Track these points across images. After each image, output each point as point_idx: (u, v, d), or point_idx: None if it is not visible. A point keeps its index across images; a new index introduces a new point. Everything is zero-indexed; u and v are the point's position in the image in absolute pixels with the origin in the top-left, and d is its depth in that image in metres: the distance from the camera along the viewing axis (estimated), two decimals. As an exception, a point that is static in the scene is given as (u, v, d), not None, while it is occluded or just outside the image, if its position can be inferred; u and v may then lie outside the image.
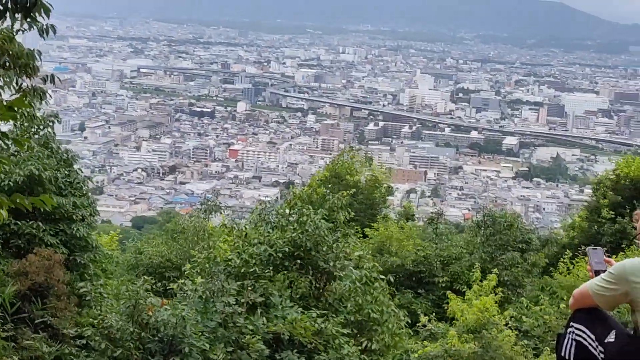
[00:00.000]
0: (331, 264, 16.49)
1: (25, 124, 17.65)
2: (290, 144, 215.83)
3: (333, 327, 14.95)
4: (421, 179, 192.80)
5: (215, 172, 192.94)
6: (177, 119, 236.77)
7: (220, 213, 25.50)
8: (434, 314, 21.46)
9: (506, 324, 18.45)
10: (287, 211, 17.14)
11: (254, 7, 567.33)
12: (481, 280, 20.03)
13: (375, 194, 32.41)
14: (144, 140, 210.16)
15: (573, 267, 23.78)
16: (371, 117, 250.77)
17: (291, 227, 16.52)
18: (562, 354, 5.72)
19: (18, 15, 7.65)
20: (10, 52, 9.22)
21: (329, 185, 24.62)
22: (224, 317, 14.17)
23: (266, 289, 15.64)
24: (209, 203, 26.54)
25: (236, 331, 14.02)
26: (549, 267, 26.57)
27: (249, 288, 15.23)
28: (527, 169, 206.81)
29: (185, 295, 15.49)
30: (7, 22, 7.85)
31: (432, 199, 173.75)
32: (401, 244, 25.62)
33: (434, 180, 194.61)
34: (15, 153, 16.28)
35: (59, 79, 10.77)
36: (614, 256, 24.46)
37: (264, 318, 14.57)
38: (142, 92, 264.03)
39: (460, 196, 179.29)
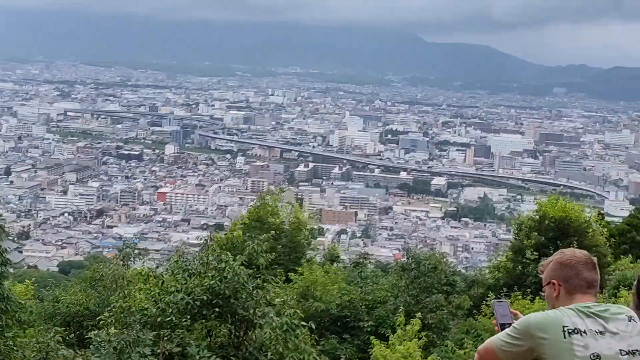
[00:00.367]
0: (251, 311, 16.07)
1: None
2: (220, 186, 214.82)
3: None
4: (352, 219, 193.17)
5: (143, 215, 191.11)
6: (105, 162, 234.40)
7: (141, 259, 24.87)
8: (358, 359, 21.09)
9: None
10: (205, 257, 16.70)
11: (182, 50, 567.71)
12: (405, 324, 19.80)
13: (299, 236, 32.10)
14: (70, 184, 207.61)
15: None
16: (301, 158, 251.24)
17: (209, 274, 16.08)
18: None
19: None
20: None
21: (251, 229, 24.21)
22: (139, 369, 13.65)
23: (183, 338, 15.17)
24: (128, 248, 25.79)
25: (152, 383, 13.52)
26: (474, 308, 26.51)
27: (165, 338, 14.75)
28: (455, 209, 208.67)
29: (98, 346, 14.91)
30: None
31: (362, 240, 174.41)
32: (326, 288, 25.29)
33: (365, 220, 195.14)
34: None
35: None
36: (537, 298, 24.48)
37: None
38: (69, 135, 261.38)
39: (391, 236, 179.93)
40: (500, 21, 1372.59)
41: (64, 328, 18.83)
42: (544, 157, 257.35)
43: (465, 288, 29.93)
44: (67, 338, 14.38)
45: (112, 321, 15.99)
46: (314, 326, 16.21)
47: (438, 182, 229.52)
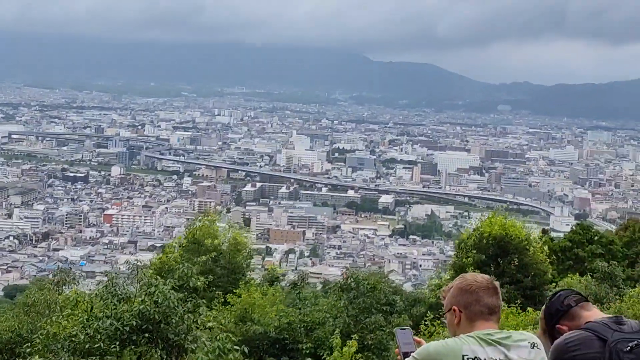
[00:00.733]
0: (182, 336, 15.79)
1: None
2: (167, 207, 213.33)
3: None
4: (300, 238, 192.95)
5: (90, 237, 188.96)
6: (50, 184, 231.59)
7: (75, 284, 24.42)
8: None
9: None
10: (135, 281, 16.40)
11: (128, 70, 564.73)
12: (342, 346, 19.59)
13: (237, 258, 31.75)
14: (15, 207, 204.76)
15: (435, 329, 23.60)
16: (248, 178, 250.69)
17: (139, 299, 15.76)
18: None
19: None
20: None
21: (188, 252, 23.87)
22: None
23: (112, 365, 14.84)
24: (62, 273, 25.34)
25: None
26: (414, 328, 26.36)
27: (94, 365, 14.41)
28: (403, 226, 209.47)
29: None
30: None
31: (311, 259, 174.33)
32: (264, 310, 25.01)
33: (313, 239, 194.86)
34: None
35: None
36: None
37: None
38: (13, 158, 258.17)
39: (339, 255, 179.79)
40: (445, 40, 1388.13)
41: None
42: (489, 174, 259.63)
43: (408, 307, 29.83)
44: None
45: (38, 349, 15.62)
46: (246, 350, 15.91)
47: (385, 200, 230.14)
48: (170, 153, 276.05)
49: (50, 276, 30.59)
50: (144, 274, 16.61)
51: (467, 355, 5.13)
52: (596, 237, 47.67)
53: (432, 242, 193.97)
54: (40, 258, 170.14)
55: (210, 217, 33.21)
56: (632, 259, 45.65)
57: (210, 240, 30.71)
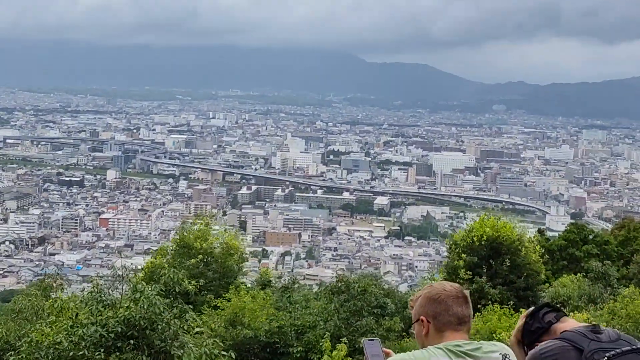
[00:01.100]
0: (169, 342, 15.57)
1: None
2: (163, 211, 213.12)
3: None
4: (295, 241, 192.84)
5: (86, 241, 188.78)
6: (46, 189, 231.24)
7: (61, 290, 24.20)
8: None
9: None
10: (121, 287, 16.19)
11: (122, 74, 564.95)
12: (332, 350, 19.42)
13: (229, 261, 31.49)
14: (11, 212, 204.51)
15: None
16: (244, 181, 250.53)
17: (124, 305, 15.55)
18: None
19: None
20: None
21: (178, 256, 23.68)
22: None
23: (97, 372, 14.62)
24: (49, 279, 25.13)
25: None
26: (405, 331, 26.21)
27: (78, 373, 14.19)
28: (398, 227, 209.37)
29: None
30: None
31: (307, 261, 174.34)
32: (254, 314, 24.80)
33: (309, 242, 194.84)
34: None
35: None
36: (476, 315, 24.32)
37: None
38: (8, 163, 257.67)
39: (335, 257, 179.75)
40: (440, 40, 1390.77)
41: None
42: (485, 174, 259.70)
43: (400, 309, 29.65)
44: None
45: (22, 357, 15.41)
46: (234, 355, 15.72)
47: (381, 201, 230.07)
48: (165, 156, 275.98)
49: (37, 281, 30.32)
50: (129, 279, 16.36)
51: None
52: (591, 237, 47.62)
53: (428, 243, 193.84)
54: (37, 262, 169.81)
55: (201, 220, 32.91)
56: (627, 258, 45.53)
57: (199, 242, 30.44)
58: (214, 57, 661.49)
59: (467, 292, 5.28)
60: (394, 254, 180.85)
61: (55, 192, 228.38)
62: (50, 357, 14.87)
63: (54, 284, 24.63)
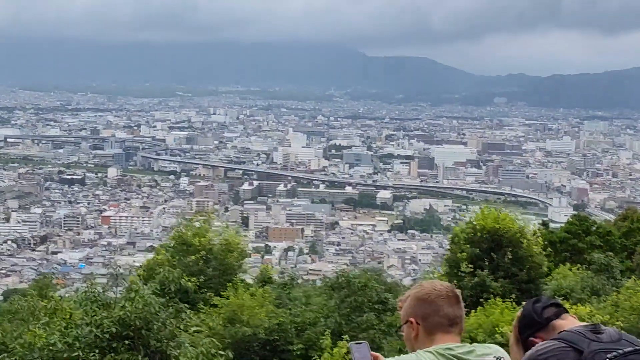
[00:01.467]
0: (165, 342, 15.32)
1: None
2: (164, 208, 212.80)
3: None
4: (298, 236, 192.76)
5: (88, 240, 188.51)
6: (47, 187, 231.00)
7: (56, 290, 23.95)
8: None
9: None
10: (116, 286, 15.95)
11: (122, 71, 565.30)
12: (333, 346, 19.15)
13: (229, 258, 31.15)
14: (13, 211, 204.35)
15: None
16: (245, 176, 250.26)
17: (119, 304, 15.30)
18: None
19: None
20: None
21: (177, 253, 23.40)
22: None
23: (92, 374, 14.37)
24: (46, 279, 24.88)
25: None
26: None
27: (72, 375, 13.95)
28: (401, 221, 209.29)
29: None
30: None
31: (310, 256, 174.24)
32: (253, 311, 24.48)
33: (312, 237, 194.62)
34: None
35: None
36: (473, 311, 24.08)
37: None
38: (9, 162, 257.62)
39: (338, 252, 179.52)
40: (440, 33, 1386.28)
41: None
42: (487, 167, 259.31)
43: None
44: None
45: (16, 359, 15.17)
46: (231, 355, 15.47)
47: (383, 195, 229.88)
48: (166, 153, 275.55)
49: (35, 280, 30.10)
50: (124, 278, 16.10)
51: None
52: (593, 228, 47.39)
53: (431, 237, 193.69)
54: (39, 261, 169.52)
55: (201, 217, 32.65)
56: (630, 249, 45.29)
57: (198, 239, 30.13)
58: (214, 53, 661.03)
59: (458, 292, 5.01)
60: (397, 248, 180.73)
61: (56, 191, 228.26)
62: (44, 359, 14.63)
63: (51, 283, 24.40)
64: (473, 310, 24.22)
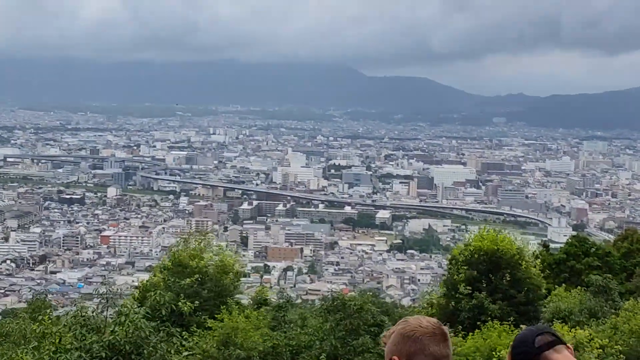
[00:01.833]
0: (155, 366, 15.06)
1: None
2: (164, 227, 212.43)
3: None
4: (298, 256, 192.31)
5: (87, 259, 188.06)
6: (46, 207, 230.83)
7: (49, 311, 23.64)
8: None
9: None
10: (105, 311, 15.70)
11: (122, 91, 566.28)
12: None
13: (224, 280, 30.81)
14: (12, 230, 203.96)
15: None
16: (245, 196, 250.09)
17: (109, 329, 15.06)
18: None
19: None
20: None
21: (173, 275, 23.11)
22: None
23: (80, 400, 14.12)
24: (38, 301, 24.60)
25: None
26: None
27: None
28: (400, 241, 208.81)
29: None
30: None
31: (309, 276, 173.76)
32: (248, 334, 24.17)
33: (311, 256, 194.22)
34: None
35: None
36: (470, 334, 23.79)
37: None
38: (9, 181, 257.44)
39: (337, 271, 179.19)
40: (439, 54, 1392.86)
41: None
42: (486, 187, 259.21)
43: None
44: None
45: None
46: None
47: (382, 215, 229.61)
48: (166, 173, 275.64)
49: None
50: (114, 302, 15.86)
51: None
52: (592, 249, 47.07)
53: (430, 257, 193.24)
54: (38, 281, 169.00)
55: (197, 238, 32.35)
56: (630, 271, 44.98)
57: (196, 261, 29.83)
58: (214, 73, 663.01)
59: (446, 329, 4.61)
60: (396, 268, 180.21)
61: (56, 210, 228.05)
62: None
63: (43, 305, 24.10)
64: (470, 333, 23.95)
